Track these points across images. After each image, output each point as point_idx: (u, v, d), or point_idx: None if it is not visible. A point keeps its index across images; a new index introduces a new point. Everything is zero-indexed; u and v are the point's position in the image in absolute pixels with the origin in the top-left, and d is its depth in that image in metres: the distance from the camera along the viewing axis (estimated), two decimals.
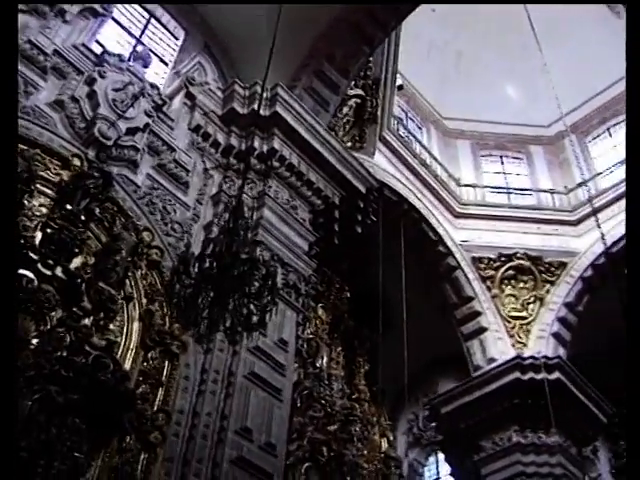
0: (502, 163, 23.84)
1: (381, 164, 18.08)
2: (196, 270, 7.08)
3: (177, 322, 9.59)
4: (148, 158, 11.80)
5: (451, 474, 18.78)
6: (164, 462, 8.93)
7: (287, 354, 11.66)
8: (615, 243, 18.57)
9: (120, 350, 9.40)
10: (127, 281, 10.02)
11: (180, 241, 11.10)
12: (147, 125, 11.90)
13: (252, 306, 7.06)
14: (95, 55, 12.09)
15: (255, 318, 7.10)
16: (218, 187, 12.46)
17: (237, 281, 6.91)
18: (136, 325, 9.90)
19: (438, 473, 19.59)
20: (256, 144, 12.94)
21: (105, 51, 12.27)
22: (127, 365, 9.36)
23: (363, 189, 14.43)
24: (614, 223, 19.07)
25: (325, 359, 15.22)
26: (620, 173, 21.02)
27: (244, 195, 11.52)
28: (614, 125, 23.43)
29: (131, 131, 11.54)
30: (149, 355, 9.74)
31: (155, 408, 9.29)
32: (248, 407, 10.32)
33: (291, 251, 12.53)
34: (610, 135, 23.44)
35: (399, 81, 20.78)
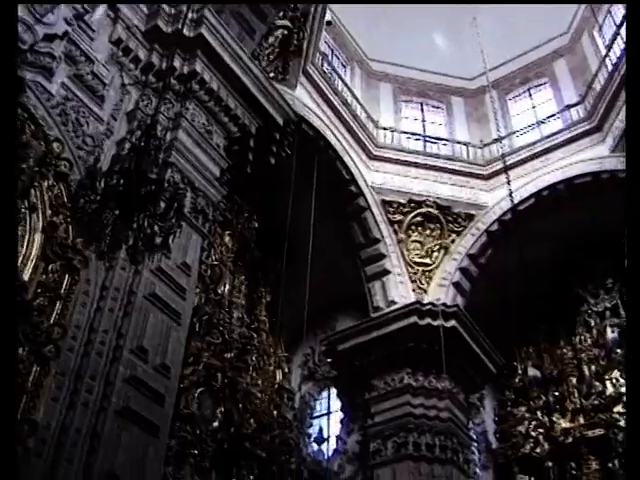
0: (422, 110, 23.99)
1: (302, 98, 17.98)
2: (102, 186, 6.99)
3: (80, 237, 9.47)
4: (64, 67, 11.43)
5: (341, 410, 19.17)
6: (57, 376, 8.86)
7: (189, 278, 11.63)
8: (523, 201, 19.04)
9: (19, 260, 9.23)
10: (32, 191, 9.80)
11: (91, 155, 10.85)
12: (66, 33, 11.47)
13: (156, 227, 7.03)
14: None
15: (159, 239, 7.08)
16: (135, 104, 12.18)
17: (143, 200, 6.85)
18: (38, 236, 9.68)
19: (329, 408, 19.98)
20: (177, 64, 12.67)
21: None
22: (25, 276, 9.21)
23: (281, 121, 14.35)
24: (524, 182, 19.54)
25: (227, 287, 15.28)
26: (535, 134, 21.43)
27: (160, 115, 11.34)
28: (535, 87, 23.77)
29: (49, 37, 11.11)
30: (49, 268, 9.54)
31: (51, 321, 9.17)
32: (145, 328, 10.29)
33: (202, 176, 12.42)
34: (530, 96, 23.78)
35: (328, 17, 20.61)
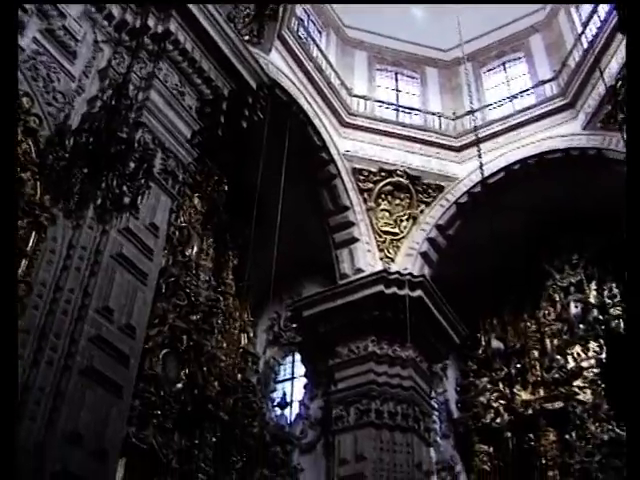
0: (396, 80, 23.90)
1: (276, 62, 17.85)
2: (72, 143, 6.93)
3: (48, 194, 9.39)
4: (36, 21, 11.23)
5: (305, 375, 19.27)
6: (21, 333, 8.81)
7: (157, 239, 11.60)
8: (493, 174, 19.13)
9: None
10: None
11: (61, 112, 10.71)
12: None
13: (125, 187, 6.99)
14: None
15: (127, 199, 7.04)
16: (107, 62, 12.01)
17: (112, 160, 6.80)
18: None
19: (293, 373, 20.10)
20: (151, 23, 12.52)
21: None
22: None
23: (254, 84, 14.27)
24: (495, 155, 19.61)
25: (195, 249, 15.26)
26: (508, 108, 21.47)
27: (132, 74, 11.23)
28: (510, 61, 23.75)
29: None
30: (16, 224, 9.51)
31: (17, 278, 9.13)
32: (112, 287, 10.27)
33: (173, 137, 12.34)
34: (505, 70, 23.76)
35: None
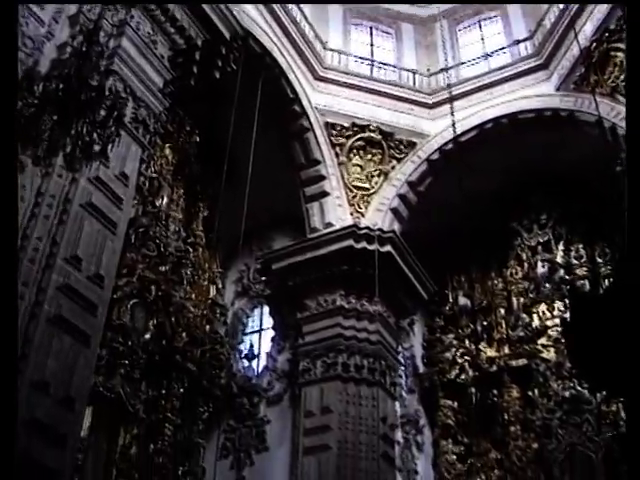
0: (371, 35, 23.71)
1: (250, 13, 17.58)
2: (41, 90, 6.84)
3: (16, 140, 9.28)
4: None
5: (273, 328, 19.35)
6: None
7: (127, 189, 11.53)
8: (465, 132, 19.12)
9: None
10: None
11: (30, 57, 10.51)
12: None
13: (95, 135, 6.92)
14: None
15: (97, 147, 6.98)
16: (77, 7, 11.79)
17: (83, 107, 6.72)
18: None
19: (261, 325, 20.13)
20: None
21: None
22: None
23: (227, 35, 14.11)
24: (468, 113, 19.58)
25: (165, 200, 15.21)
26: (482, 67, 21.40)
27: (103, 21, 11.08)
28: (486, 19, 23.60)
29: None
30: None
31: None
32: (80, 236, 10.22)
33: (145, 86, 12.21)
34: (480, 28, 23.60)
35: None
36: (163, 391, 13.93)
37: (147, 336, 13.52)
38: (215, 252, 16.81)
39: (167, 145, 15.66)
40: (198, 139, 16.64)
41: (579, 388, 17.90)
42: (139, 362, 13.23)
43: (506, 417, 18.99)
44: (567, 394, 18.15)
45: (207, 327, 15.59)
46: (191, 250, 15.70)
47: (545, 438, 18.15)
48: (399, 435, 18.34)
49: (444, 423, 19.76)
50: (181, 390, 14.35)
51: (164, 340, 14.00)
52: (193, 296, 15.41)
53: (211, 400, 15.51)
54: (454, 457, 19.51)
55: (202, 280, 15.96)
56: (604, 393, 17.32)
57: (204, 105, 16.17)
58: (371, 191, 19.25)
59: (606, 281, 18.10)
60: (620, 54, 16.66)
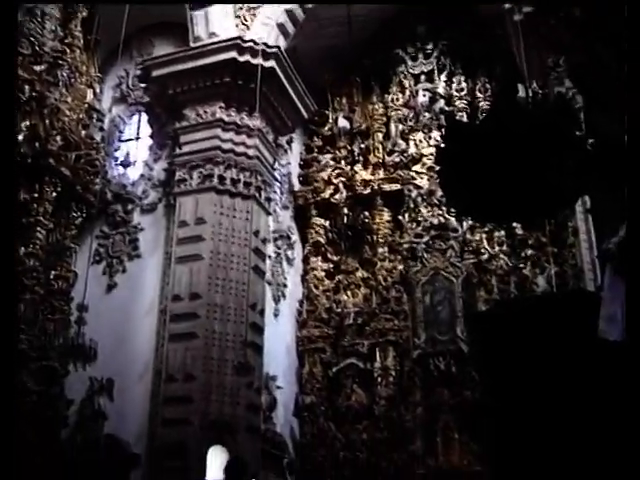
0: None
1: None
2: None
3: None
4: None
5: (150, 136, 19.08)
6: None
7: None
8: None
9: None
10: None
11: None
12: None
13: None
14: None
15: None
16: None
17: None
18: None
19: (138, 133, 19.75)
20: None
21: None
22: None
23: None
24: None
25: None
26: None
27: None
28: None
29: None
30: None
31: None
32: None
33: None
34: None
35: None
36: (35, 194, 13.78)
37: (19, 138, 13.18)
38: (93, 55, 16.22)
39: None
40: None
41: (447, 216, 18.69)
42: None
43: (375, 239, 19.74)
44: (435, 221, 18.91)
45: (83, 132, 15.25)
46: (68, 51, 15.05)
47: (411, 261, 19.02)
48: (271, 249, 18.77)
49: (315, 240, 20.35)
50: (54, 194, 14.20)
51: (37, 143, 13.68)
52: (69, 99, 14.94)
53: (85, 205, 15.41)
54: (323, 274, 20.27)
55: (79, 84, 15.42)
56: (470, 222, 18.25)
57: None
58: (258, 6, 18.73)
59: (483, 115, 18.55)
60: None
